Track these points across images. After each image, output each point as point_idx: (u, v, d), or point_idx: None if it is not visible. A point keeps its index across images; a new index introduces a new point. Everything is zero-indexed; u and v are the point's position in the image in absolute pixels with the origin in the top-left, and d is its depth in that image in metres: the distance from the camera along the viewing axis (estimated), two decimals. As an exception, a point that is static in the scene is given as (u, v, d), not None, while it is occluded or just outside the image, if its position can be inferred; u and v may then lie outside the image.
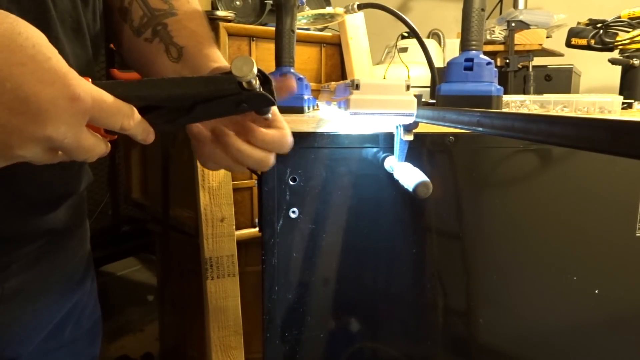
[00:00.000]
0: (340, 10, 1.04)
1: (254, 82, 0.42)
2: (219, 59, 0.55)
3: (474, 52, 0.56)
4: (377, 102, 0.53)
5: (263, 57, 1.28)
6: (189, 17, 0.60)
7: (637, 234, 0.73)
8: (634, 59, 1.17)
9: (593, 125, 0.23)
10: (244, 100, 0.43)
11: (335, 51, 1.42)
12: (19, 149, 0.30)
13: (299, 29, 0.74)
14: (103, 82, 0.37)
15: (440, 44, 1.75)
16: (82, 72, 0.34)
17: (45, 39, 0.31)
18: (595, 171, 0.71)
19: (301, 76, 0.69)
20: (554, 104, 0.77)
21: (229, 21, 1.22)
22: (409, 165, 0.59)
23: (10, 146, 0.29)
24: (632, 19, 1.19)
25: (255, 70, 0.41)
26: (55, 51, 0.31)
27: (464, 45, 0.57)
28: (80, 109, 0.31)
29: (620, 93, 1.19)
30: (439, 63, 1.53)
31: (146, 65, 0.58)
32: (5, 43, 0.28)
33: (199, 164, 1.08)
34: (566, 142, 0.25)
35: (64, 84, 0.30)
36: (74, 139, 0.32)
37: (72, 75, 0.31)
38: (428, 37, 1.80)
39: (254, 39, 1.26)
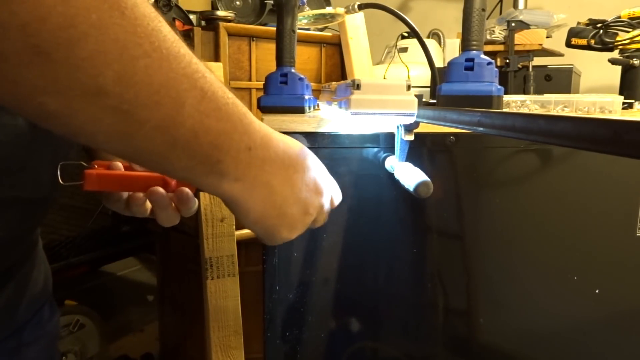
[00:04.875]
0: (340, 10, 1.04)
1: None
2: None
3: (474, 52, 0.56)
4: (378, 102, 0.53)
5: (263, 57, 1.28)
6: None
7: (637, 234, 0.73)
8: (634, 59, 1.17)
9: (593, 125, 0.23)
10: None
11: (335, 51, 1.42)
12: (311, 215, 0.46)
13: (299, 29, 0.74)
14: None
15: (440, 44, 1.75)
16: None
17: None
18: (595, 171, 0.71)
19: (302, 76, 0.69)
20: (555, 104, 0.77)
21: (229, 21, 1.22)
22: (409, 165, 0.59)
23: (309, 213, 0.46)
24: (632, 19, 1.19)
25: None
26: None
27: (465, 45, 0.57)
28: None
29: (620, 93, 1.19)
30: (439, 63, 1.53)
31: None
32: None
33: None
34: (567, 142, 0.25)
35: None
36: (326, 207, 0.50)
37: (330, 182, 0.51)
38: (428, 37, 1.80)
39: (254, 39, 1.26)
